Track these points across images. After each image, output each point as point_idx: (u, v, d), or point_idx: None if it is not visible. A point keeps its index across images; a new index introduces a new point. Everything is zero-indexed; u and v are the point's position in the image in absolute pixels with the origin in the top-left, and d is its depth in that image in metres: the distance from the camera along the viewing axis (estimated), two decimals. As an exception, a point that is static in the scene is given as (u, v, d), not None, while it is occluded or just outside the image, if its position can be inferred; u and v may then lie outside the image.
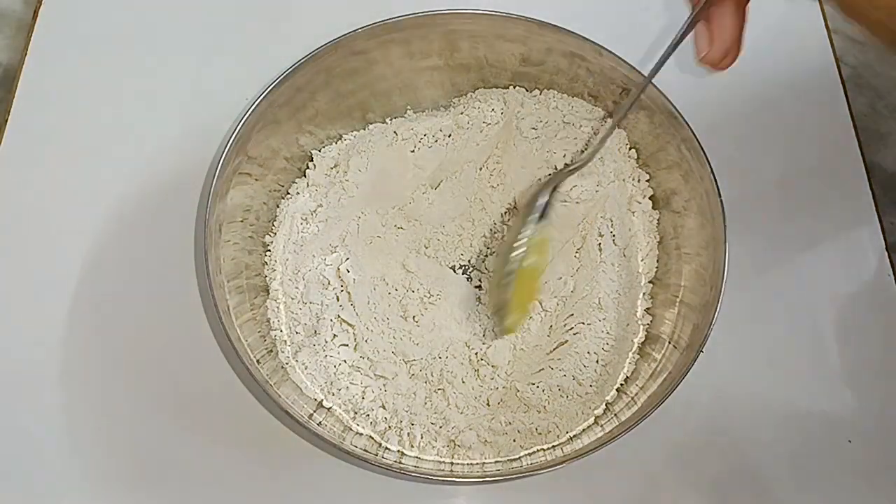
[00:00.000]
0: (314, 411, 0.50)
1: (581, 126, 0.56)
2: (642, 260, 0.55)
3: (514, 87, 0.58)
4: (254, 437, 0.52)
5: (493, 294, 0.54)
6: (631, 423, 0.46)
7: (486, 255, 0.57)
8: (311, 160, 0.57)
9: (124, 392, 0.53)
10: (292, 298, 0.53)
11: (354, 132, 0.58)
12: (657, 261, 0.55)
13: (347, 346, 0.52)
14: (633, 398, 0.50)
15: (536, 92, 0.58)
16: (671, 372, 0.49)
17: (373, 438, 0.50)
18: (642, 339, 0.53)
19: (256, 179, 0.54)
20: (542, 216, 0.51)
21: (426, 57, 0.56)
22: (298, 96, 0.54)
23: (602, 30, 0.54)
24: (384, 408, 0.51)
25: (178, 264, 0.56)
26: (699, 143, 0.51)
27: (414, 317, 0.54)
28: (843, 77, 0.65)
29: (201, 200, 0.58)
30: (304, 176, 0.57)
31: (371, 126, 0.59)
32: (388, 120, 0.59)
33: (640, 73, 0.52)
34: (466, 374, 0.52)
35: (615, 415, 0.50)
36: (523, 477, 0.51)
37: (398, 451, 0.49)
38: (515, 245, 0.51)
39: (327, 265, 0.54)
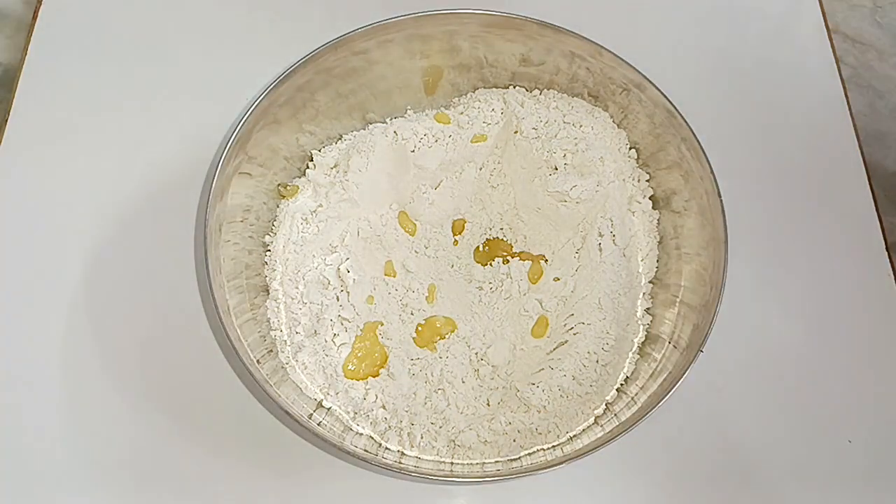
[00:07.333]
0: (314, 411, 0.50)
1: (581, 126, 0.56)
2: (642, 260, 0.55)
3: (514, 87, 0.59)
4: (254, 437, 0.52)
5: None
6: (631, 423, 0.46)
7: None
8: (311, 160, 0.57)
9: (124, 391, 0.53)
10: (292, 298, 0.53)
11: (354, 132, 0.58)
12: (657, 261, 0.55)
13: (347, 345, 0.52)
14: (633, 398, 0.50)
15: (536, 92, 0.58)
16: (671, 372, 0.49)
17: (373, 438, 0.50)
18: (642, 339, 0.53)
19: (256, 179, 0.54)
20: None
21: (426, 57, 0.56)
22: (298, 96, 0.54)
23: (602, 30, 0.54)
24: (384, 408, 0.51)
25: (178, 264, 0.56)
26: (699, 143, 0.51)
27: (413, 315, 0.54)
28: (843, 77, 0.65)
29: (201, 200, 0.58)
30: (304, 176, 0.57)
31: (371, 126, 0.59)
32: (388, 120, 0.59)
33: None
34: (466, 374, 0.52)
35: (615, 415, 0.50)
36: (523, 477, 0.51)
37: (398, 450, 0.49)
38: None
39: (327, 265, 0.54)
